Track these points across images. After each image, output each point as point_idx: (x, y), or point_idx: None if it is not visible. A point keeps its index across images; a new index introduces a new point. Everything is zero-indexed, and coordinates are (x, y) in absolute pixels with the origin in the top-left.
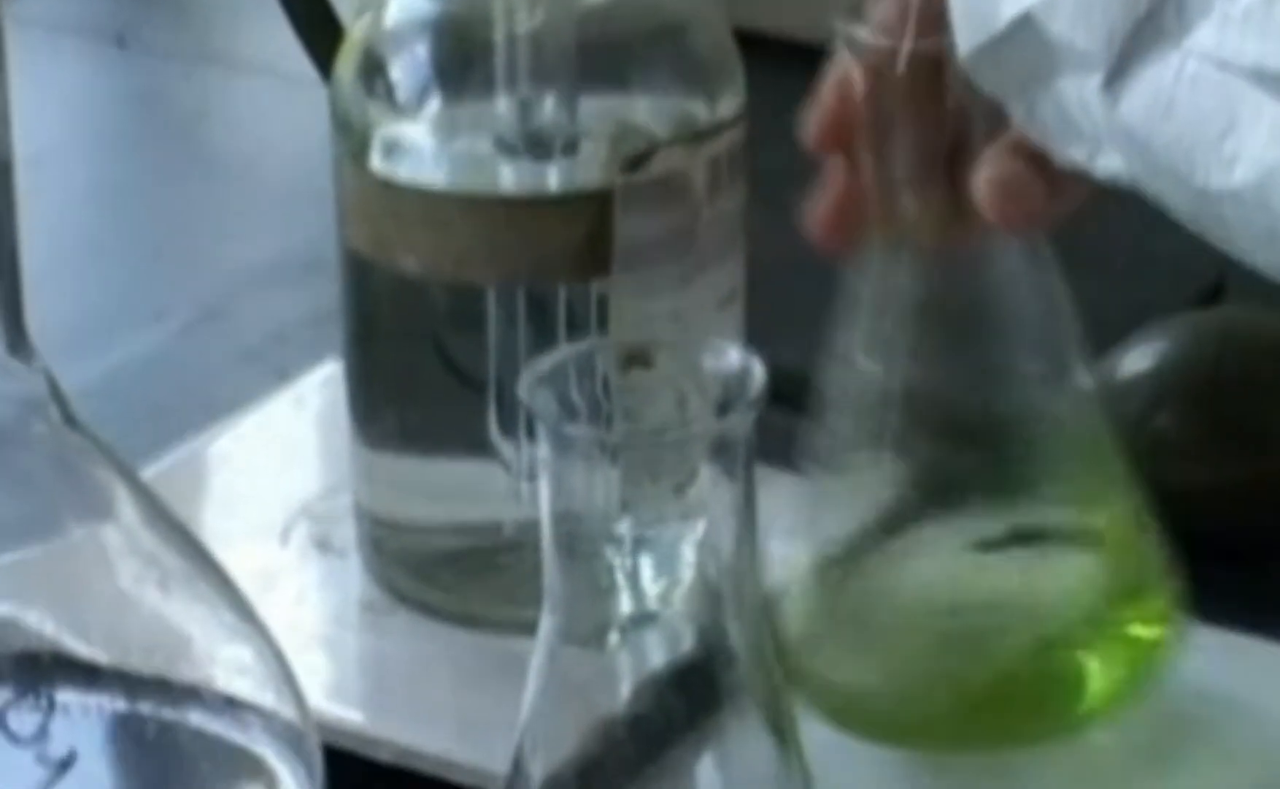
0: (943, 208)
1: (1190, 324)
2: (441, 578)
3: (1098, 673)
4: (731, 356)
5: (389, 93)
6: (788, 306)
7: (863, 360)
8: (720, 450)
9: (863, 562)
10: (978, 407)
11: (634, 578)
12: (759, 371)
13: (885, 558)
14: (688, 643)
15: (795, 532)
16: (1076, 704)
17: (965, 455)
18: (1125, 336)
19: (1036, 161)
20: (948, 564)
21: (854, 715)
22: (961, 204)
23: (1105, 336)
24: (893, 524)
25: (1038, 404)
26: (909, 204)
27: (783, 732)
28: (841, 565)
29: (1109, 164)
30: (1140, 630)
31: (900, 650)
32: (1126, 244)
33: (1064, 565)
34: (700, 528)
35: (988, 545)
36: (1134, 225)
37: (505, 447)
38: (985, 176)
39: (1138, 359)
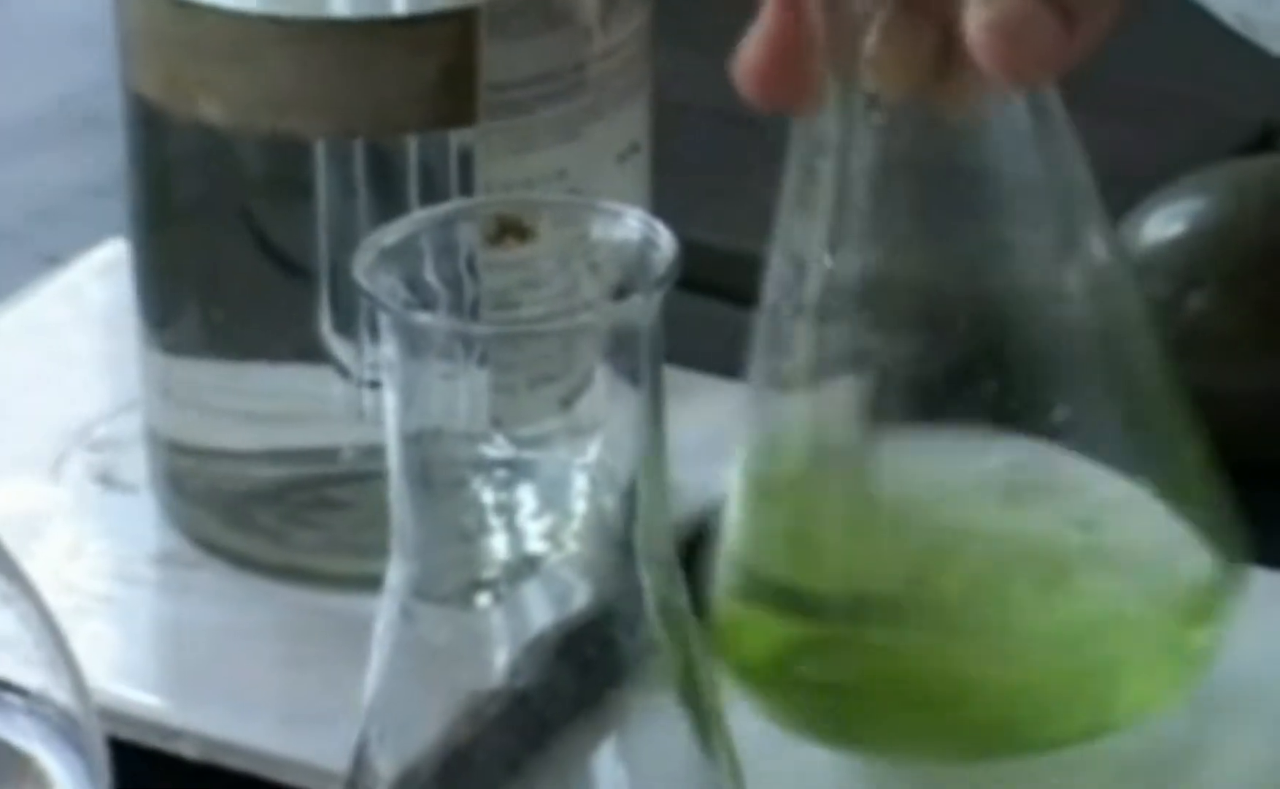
0: (921, 52)
1: (1230, 177)
2: (261, 521)
3: (1133, 678)
4: (632, 225)
5: None
6: (705, 165)
7: (824, 255)
8: (618, 346)
9: (825, 495)
10: (971, 298)
11: (509, 515)
12: (667, 245)
13: (852, 492)
14: (580, 598)
15: (732, 455)
16: (1104, 714)
17: (956, 359)
18: (1149, 195)
19: None
20: (936, 510)
21: (807, 710)
22: (948, 47)
23: (1124, 195)
24: (864, 451)
25: (1048, 291)
26: (875, 48)
27: (702, 711)
28: (796, 500)
29: None
30: (1192, 633)
31: (871, 630)
32: (1152, 81)
33: (1089, 532)
34: (594, 449)
35: (987, 484)
36: (1161, 57)
37: (340, 347)
38: (982, 19)
39: (1164, 223)
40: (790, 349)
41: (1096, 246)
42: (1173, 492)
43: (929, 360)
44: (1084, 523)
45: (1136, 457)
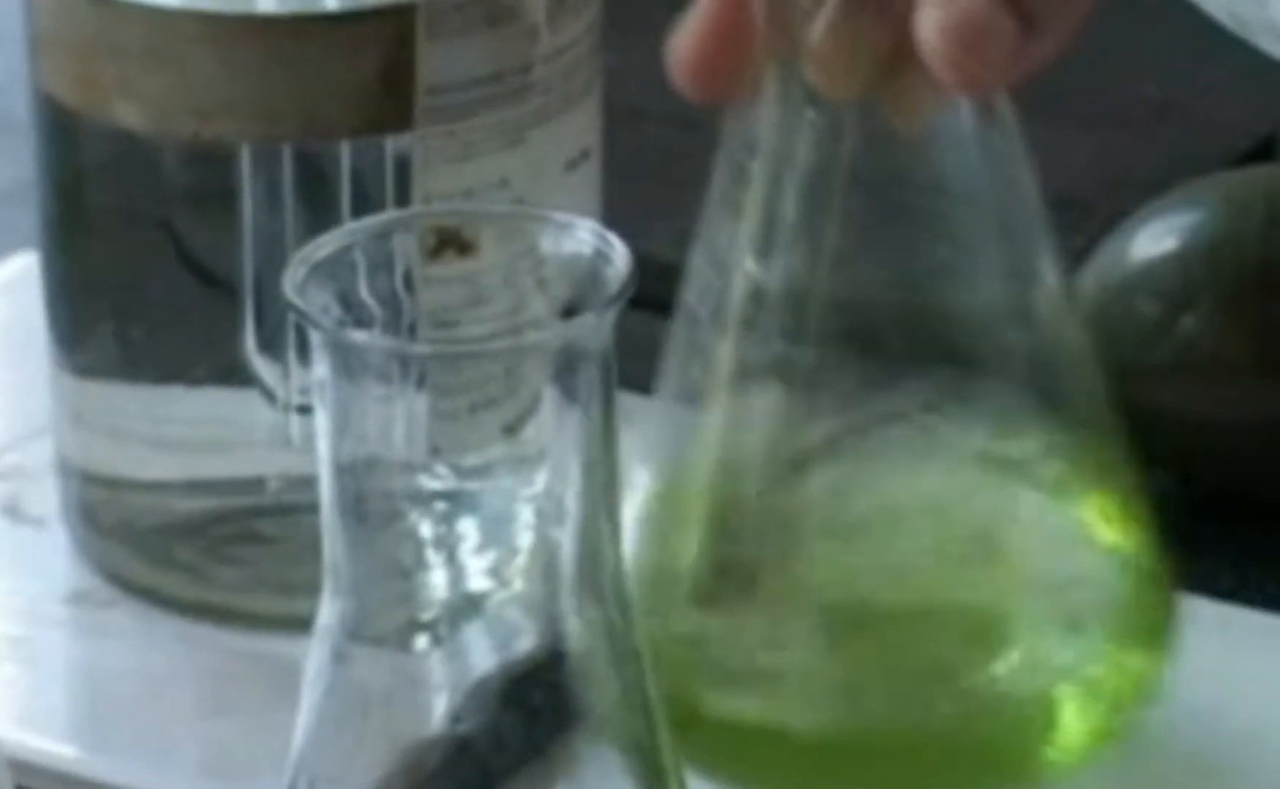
0: (869, 52)
1: (1226, 189)
2: (181, 557)
3: (1073, 713)
4: (583, 238)
5: None
6: (661, 173)
7: (749, 262)
8: (568, 369)
9: (738, 523)
10: (904, 317)
11: (450, 551)
12: (621, 259)
13: (768, 520)
14: (526, 640)
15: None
16: (1039, 754)
17: (885, 378)
18: (1138, 208)
19: None
20: (861, 538)
21: (738, 752)
22: (898, 48)
23: (1112, 208)
24: (783, 473)
25: (992, 315)
26: (820, 44)
27: (657, 763)
28: (707, 526)
29: None
30: (1130, 657)
31: (799, 661)
32: (1141, 86)
33: (1025, 554)
34: (540, 480)
35: (914, 511)
36: (1151, 61)
37: (267, 369)
38: (935, 21)
39: (1155, 239)
40: (708, 360)
41: (1041, 270)
42: (1104, 517)
43: (857, 378)
44: (1015, 550)
45: (1069, 482)
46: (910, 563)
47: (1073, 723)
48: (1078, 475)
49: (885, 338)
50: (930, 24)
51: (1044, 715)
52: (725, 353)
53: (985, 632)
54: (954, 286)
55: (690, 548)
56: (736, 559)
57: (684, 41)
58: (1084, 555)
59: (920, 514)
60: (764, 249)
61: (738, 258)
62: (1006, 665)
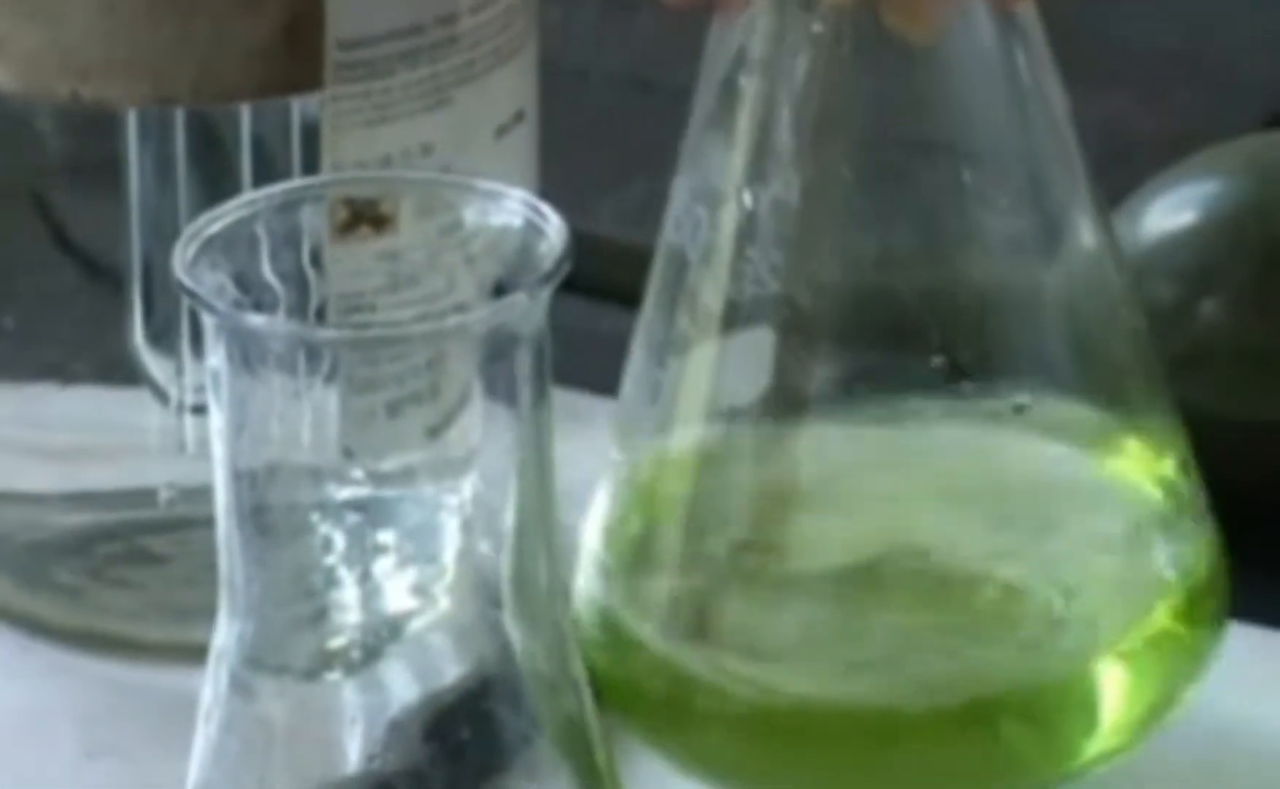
0: None
1: (1249, 156)
2: (60, 578)
3: (1118, 694)
4: (513, 210)
5: None
6: (603, 141)
7: (743, 190)
8: (497, 358)
9: (723, 484)
10: (918, 255)
11: (365, 567)
12: (556, 234)
13: (758, 479)
14: (452, 668)
15: (611, 454)
16: (1084, 742)
17: (894, 324)
18: (1151, 177)
19: None
20: (859, 511)
21: (715, 754)
22: None
23: (1123, 177)
24: (776, 429)
25: (1020, 273)
26: None
27: None
28: (687, 491)
29: None
30: (1178, 626)
31: (810, 639)
32: (1155, 41)
33: (1065, 533)
34: (467, 487)
35: (922, 483)
36: (1166, 13)
37: (156, 364)
38: None
39: (1170, 212)
40: (695, 299)
41: (1076, 214)
42: (1151, 480)
43: (862, 322)
44: (1033, 532)
45: (1111, 441)
46: (912, 547)
47: (1117, 703)
48: (1121, 435)
49: (896, 285)
50: None
51: (1086, 697)
52: (714, 291)
53: (996, 628)
54: (972, 223)
55: (677, 523)
56: (729, 536)
57: None
58: (1130, 516)
59: (925, 489)
60: (759, 175)
61: (729, 186)
62: (1014, 661)
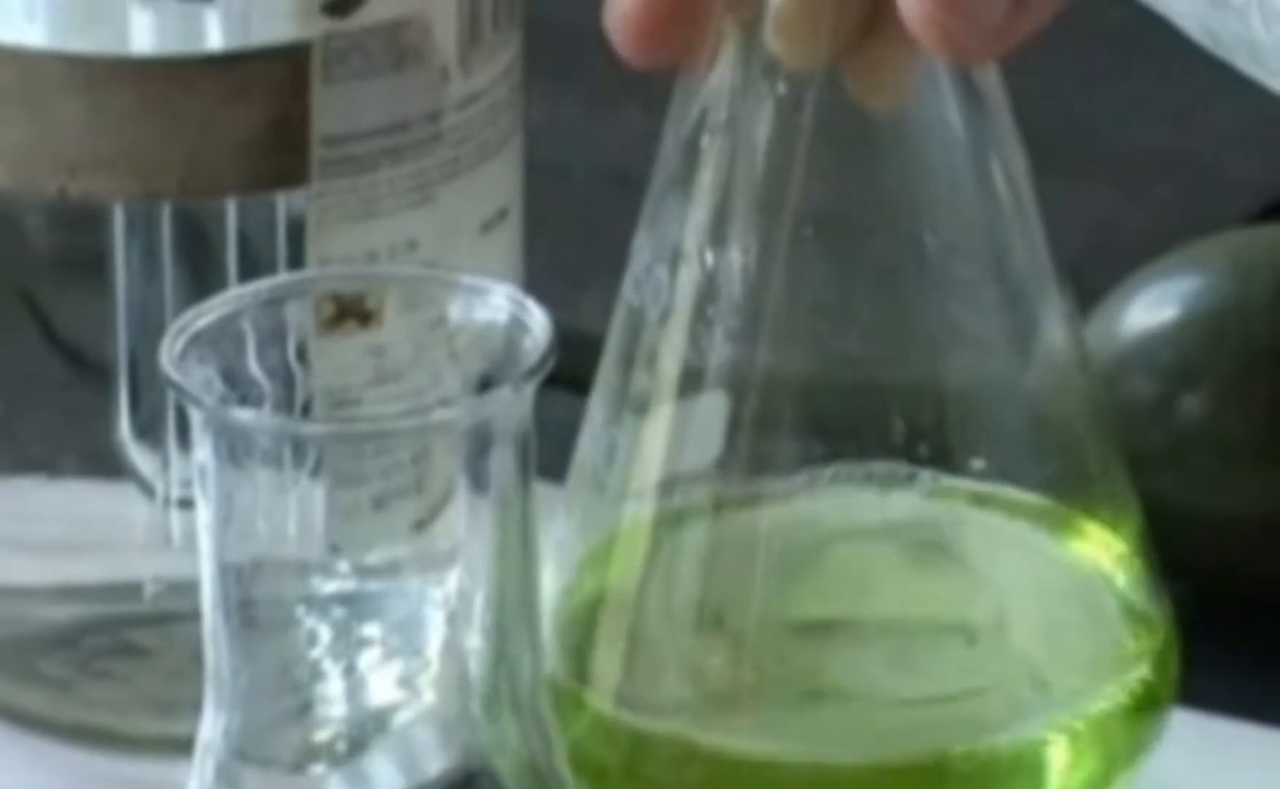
0: (839, 15)
1: (1232, 251)
2: (47, 671)
3: (1063, 769)
4: (498, 306)
5: None
6: (588, 236)
7: (705, 250)
8: (482, 453)
9: (680, 545)
10: (876, 317)
11: (350, 661)
12: (541, 329)
13: (713, 541)
14: (436, 762)
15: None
16: None
17: (851, 387)
18: (1133, 272)
19: None
20: (815, 576)
21: None
22: (872, 11)
23: (1104, 272)
24: (732, 490)
25: (978, 348)
26: (784, 4)
27: None
28: (642, 550)
29: None
30: (1126, 706)
31: (761, 697)
32: (1137, 134)
33: (1017, 610)
34: (452, 580)
35: (877, 550)
36: (1147, 106)
37: (143, 458)
38: None
39: (1152, 308)
40: (652, 359)
41: (1036, 290)
42: (1105, 558)
43: (819, 391)
44: (985, 607)
45: (1061, 554)
46: (867, 619)
47: (1063, 779)
48: (1076, 517)
49: (854, 355)
50: None
51: (1033, 768)
52: (673, 355)
53: (966, 668)
54: (934, 299)
55: (636, 585)
56: (687, 597)
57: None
58: (1084, 597)
59: (880, 555)
60: (718, 237)
61: (689, 247)
62: (989, 710)
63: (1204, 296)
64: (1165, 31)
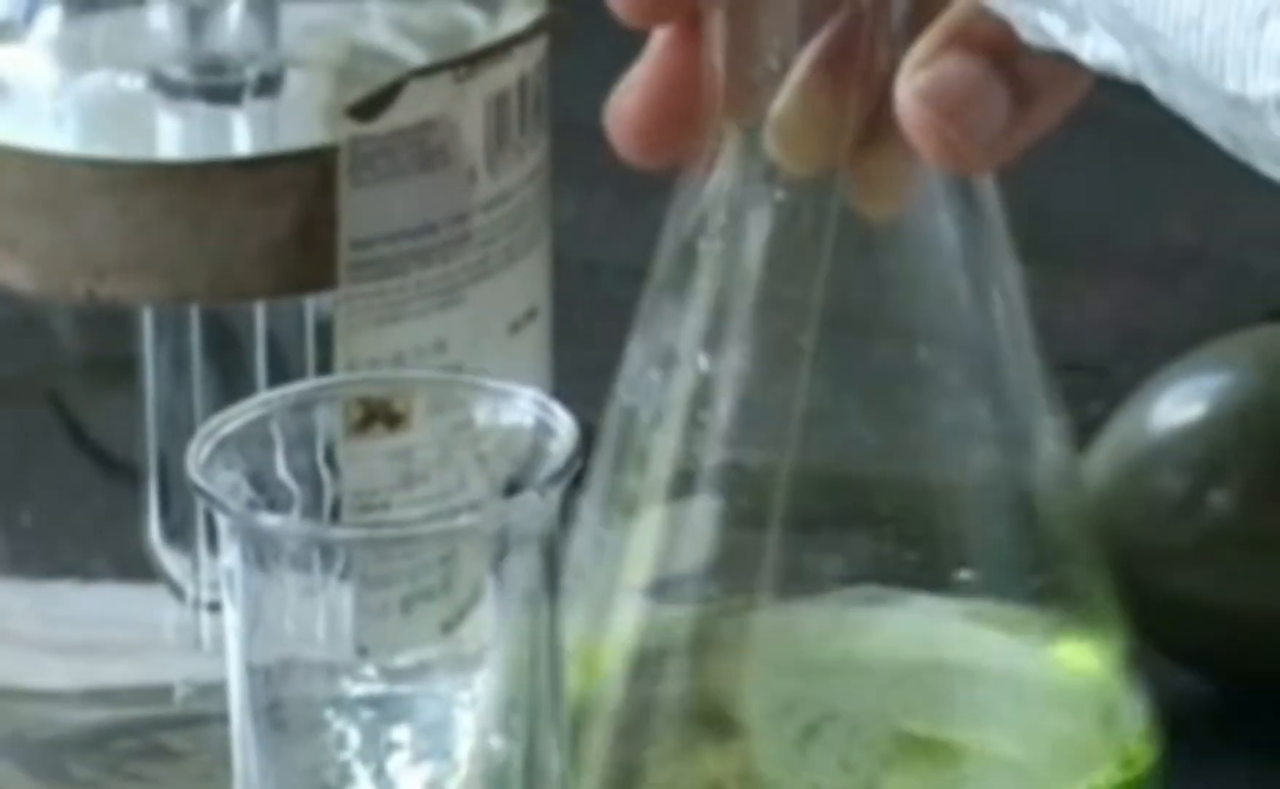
0: (839, 124)
1: (1259, 347)
2: (77, 774)
3: None
4: (524, 409)
5: None
6: (615, 336)
7: (698, 355)
8: (509, 555)
9: (667, 649)
10: (874, 444)
11: (379, 764)
12: (567, 432)
13: (702, 653)
14: None
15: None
16: None
17: (845, 494)
18: (1160, 369)
19: (996, 55)
20: (815, 680)
21: None
22: (873, 120)
23: (1131, 369)
24: (722, 608)
25: (970, 460)
26: (785, 111)
27: None
28: (628, 656)
29: (1101, 50)
30: None
31: None
32: (1163, 232)
33: (1003, 718)
34: (480, 682)
35: (865, 667)
36: (1173, 204)
37: (173, 561)
38: (916, 84)
39: (1179, 404)
40: (643, 461)
41: (1028, 401)
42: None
43: (810, 497)
44: (970, 712)
45: (1049, 659)
46: (870, 703)
47: None
48: (1064, 625)
49: (846, 462)
50: (910, 87)
51: None
52: (664, 457)
53: (957, 773)
54: (925, 397)
55: (623, 692)
56: (673, 704)
57: (627, 97)
58: (1069, 703)
59: (867, 673)
60: (713, 342)
61: (685, 349)
62: None
63: (1231, 392)
64: (1191, 129)
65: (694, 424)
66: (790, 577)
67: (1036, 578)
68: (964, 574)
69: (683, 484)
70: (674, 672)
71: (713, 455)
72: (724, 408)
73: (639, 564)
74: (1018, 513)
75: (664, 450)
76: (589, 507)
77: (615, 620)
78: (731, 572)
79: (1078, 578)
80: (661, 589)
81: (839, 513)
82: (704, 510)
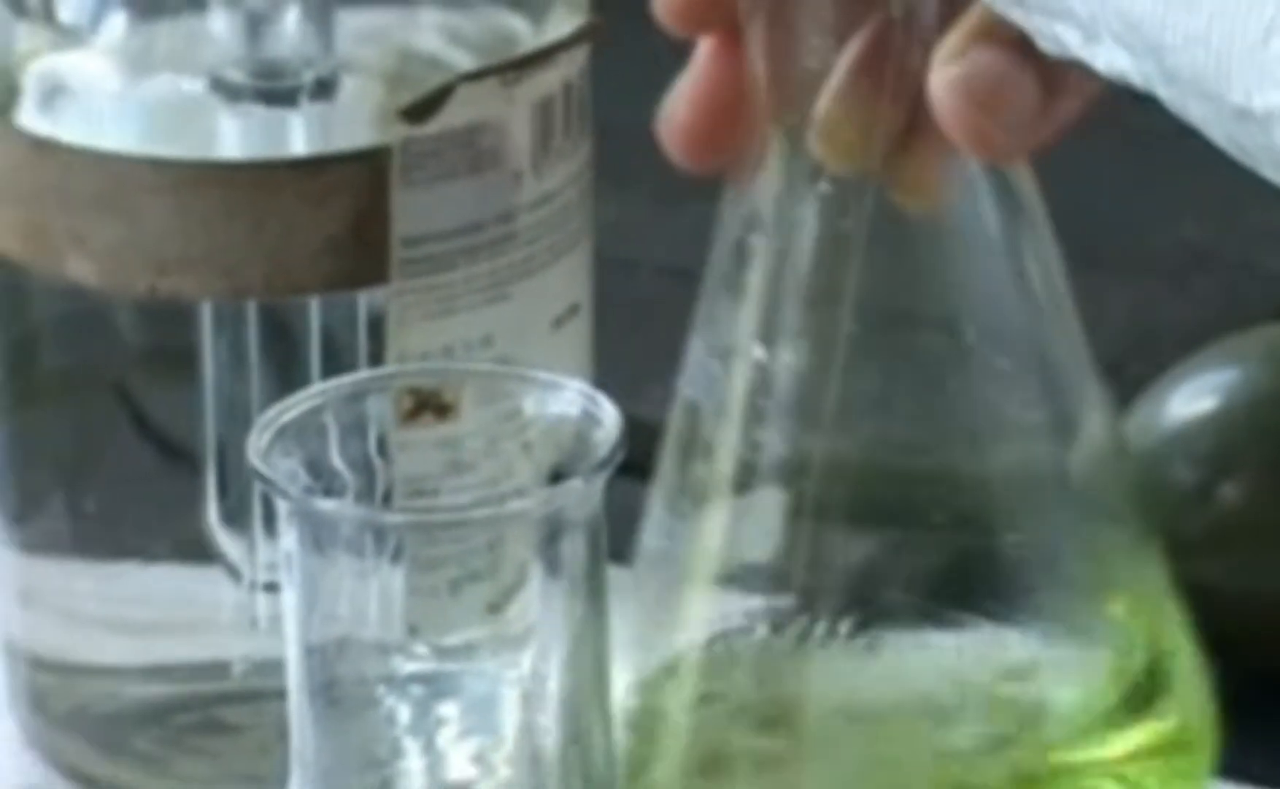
0: (879, 123)
1: (1269, 344)
2: (139, 747)
3: None
4: (570, 399)
5: (47, 8)
6: (655, 330)
7: (755, 347)
8: (554, 540)
9: (734, 670)
10: (923, 437)
11: (429, 738)
12: (611, 422)
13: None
14: None
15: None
16: None
17: (905, 481)
18: (1172, 365)
19: (1023, 47)
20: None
21: None
22: (912, 120)
23: (1144, 365)
24: (779, 615)
25: (1020, 463)
26: (827, 113)
27: None
28: (703, 680)
29: (1114, 60)
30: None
31: None
32: (1176, 232)
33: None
34: (526, 661)
35: (923, 691)
36: (1185, 205)
37: (231, 543)
38: (948, 76)
39: (1191, 399)
40: (710, 454)
41: (1078, 389)
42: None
43: (867, 477)
44: (1032, 750)
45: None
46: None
47: None
48: (1107, 617)
49: (895, 456)
50: (942, 79)
51: None
52: (728, 447)
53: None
54: (974, 381)
55: (690, 685)
56: (742, 702)
57: (677, 106)
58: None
59: (925, 699)
60: (769, 334)
61: (742, 343)
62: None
63: (1242, 388)
64: (1202, 134)
65: (754, 415)
66: (846, 574)
67: (1090, 545)
68: (1014, 538)
69: (746, 476)
70: (741, 675)
71: (774, 445)
72: (779, 400)
73: (708, 555)
74: (1068, 499)
75: (727, 443)
76: (658, 498)
77: (687, 612)
78: (795, 567)
79: (1128, 561)
80: (728, 580)
81: (891, 508)
82: (767, 501)
